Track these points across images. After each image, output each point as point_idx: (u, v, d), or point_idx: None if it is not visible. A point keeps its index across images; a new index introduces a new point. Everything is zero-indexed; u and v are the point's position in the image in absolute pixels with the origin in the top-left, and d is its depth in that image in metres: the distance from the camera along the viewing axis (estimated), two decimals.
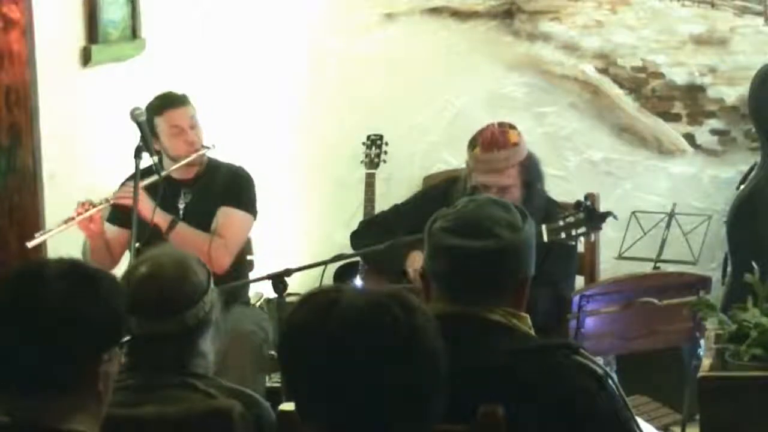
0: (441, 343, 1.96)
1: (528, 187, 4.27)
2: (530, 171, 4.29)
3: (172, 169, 4.58)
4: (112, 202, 4.42)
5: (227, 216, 4.68)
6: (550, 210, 4.29)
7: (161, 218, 4.53)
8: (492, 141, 4.27)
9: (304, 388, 1.95)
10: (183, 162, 4.60)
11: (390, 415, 1.90)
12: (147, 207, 4.43)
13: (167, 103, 4.65)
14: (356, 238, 4.65)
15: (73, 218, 4.34)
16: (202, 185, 4.71)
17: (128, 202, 4.31)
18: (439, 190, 4.54)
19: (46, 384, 2.06)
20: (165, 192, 4.46)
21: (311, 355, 1.93)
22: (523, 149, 4.28)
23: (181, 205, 4.71)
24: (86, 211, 4.36)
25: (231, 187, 4.73)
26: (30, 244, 4.17)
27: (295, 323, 1.98)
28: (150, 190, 4.42)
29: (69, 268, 2.13)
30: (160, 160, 4.51)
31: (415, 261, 4.37)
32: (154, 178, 4.40)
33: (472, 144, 4.30)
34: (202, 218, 4.67)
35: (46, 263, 2.19)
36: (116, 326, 2.13)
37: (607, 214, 4.06)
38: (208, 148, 4.67)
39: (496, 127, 4.32)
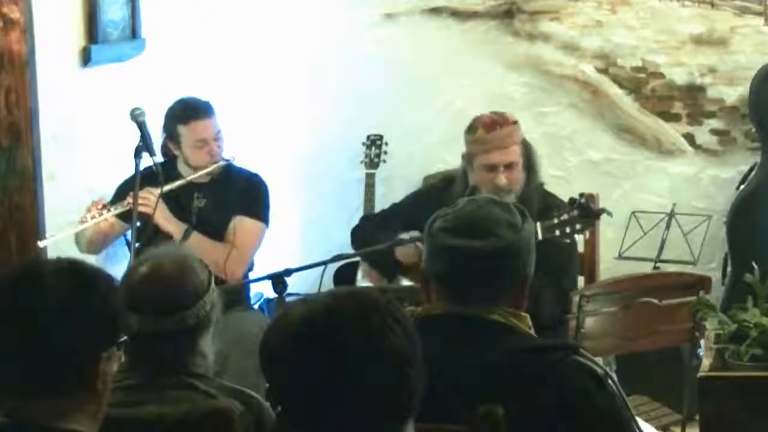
0: (410, 341, 1.94)
1: (529, 171, 4.33)
2: (529, 154, 4.36)
3: (189, 178, 4.59)
4: (128, 207, 4.41)
5: (243, 226, 4.70)
6: (548, 201, 4.32)
7: (176, 227, 4.55)
8: (493, 121, 4.38)
9: (274, 395, 1.97)
10: (202, 172, 4.62)
11: (348, 416, 1.89)
12: (163, 215, 4.45)
13: (193, 113, 4.63)
14: (355, 234, 4.68)
15: (86, 220, 4.37)
16: (217, 190, 4.71)
17: (146, 210, 4.33)
18: (436, 190, 4.57)
19: (45, 384, 2.05)
20: (179, 194, 4.49)
21: (267, 363, 1.95)
22: (519, 127, 4.37)
23: (195, 208, 4.71)
24: (100, 213, 4.39)
25: (247, 195, 4.74)
26: (41, 244, 4.19)
27: (264, 335, 2.00)
28: (165, 195, 4.41)
29: (67, 268, 2.13)
30: (168, 160, 4.51)
31: (408, 252, 4.41)
32: (178, 183, 4.44)
33: (472, 129, 4.38)
34: (215, 223, 4.68)
35: (45, 263, 2.19)
36: (114, 325, 2.13)
37: (601, 210, 4.07)
38: (228, 160, 4.67)
39: (490, 113, 4.42)
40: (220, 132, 4.68)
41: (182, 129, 4.63)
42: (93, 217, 4.38)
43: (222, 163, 4.66)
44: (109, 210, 4.42)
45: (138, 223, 4.22)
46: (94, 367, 2.08)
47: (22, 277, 2.13)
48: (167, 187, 4.40)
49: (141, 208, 4.31)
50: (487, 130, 4.33)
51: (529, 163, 4.36)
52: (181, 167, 4.67)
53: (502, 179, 4.26)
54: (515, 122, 4.38)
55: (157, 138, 4.59)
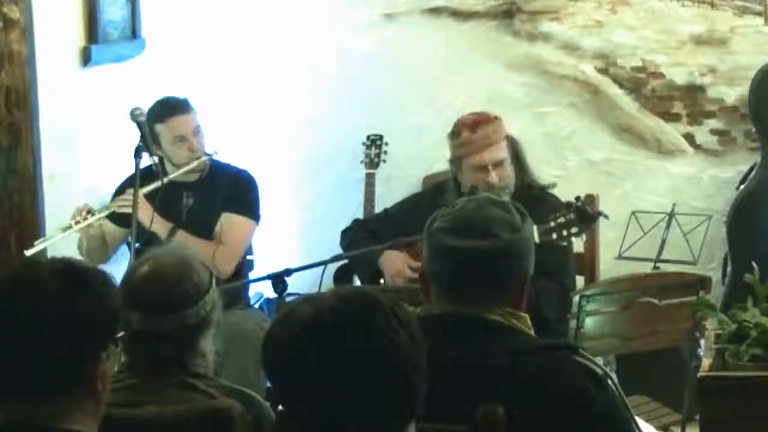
0: (413, 342, 1.93)
1: (518, 163, 4.34)
2: (515, 146, 4.38)
3: (173, 176, 4.58)
4: (112, 209, 4.43)
5: (230, 223, 4.69)
6: (537, 195, 4.35)
7: (161, 226, 4.54)
8: (475, 121, 4.41)
9: (277, 394, 1.96)
10: (185, 169, 4.62)
11: (350, 416, 1.89)
12: (147, 215, 4.44)
13: (169, 110, 4.63)
14: (344, 236, 4.71)
15: (71, 226, 4.36)
16: (205, 188, 4.71)
17: (129, 210, 4.32)
18: (427, 197, 4.59)
19: (45, 386, 2.05)
20: (167, 194, 4.46)
21: (271, 361, 1.94)
22: (504, 126, 4.38)
23: (184, 208, 4.71)
24: (84, 218, 4.38)
25: (234, 192, 4.74)
26: (28, 252, 4.18)
27: (267, 331, 1.99)
28: (151, 195, 4.41)
29: (62, 269, 2.11)
30: (161, 161, 4.51)
31: (393, 264, 4.42)
32: (156, 184, 4.39)
33: (455, 133, 4.41)
34: (204, 221, 4.68)
35: (39, 266, 2.17)
36: (112, 324, 2.12)
37: (598, 214, 4.08)
38: (210, 155, 4.67)
39: (469, 114, 4.45)
40: (199, 127, 4.68)
41: (160, 127, 4.62)
42: (77, 223, 4.38)
43: (204, 158, 4.66)
44: (93, 215, 4.42)
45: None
46: (94, 368, 2.08)
47: (16, 281, 2.11)
48: (149, 188, 4.40)
49: (123, 210, 4.31)
50: (472, 131, 4.33)
51: (517, 157, 4.39)
52: (168, 167, 4.67)
53: (494, 177, 4.28)
54: (497, 118, 4.40)
55: None
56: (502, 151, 4.32)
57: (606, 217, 4.12)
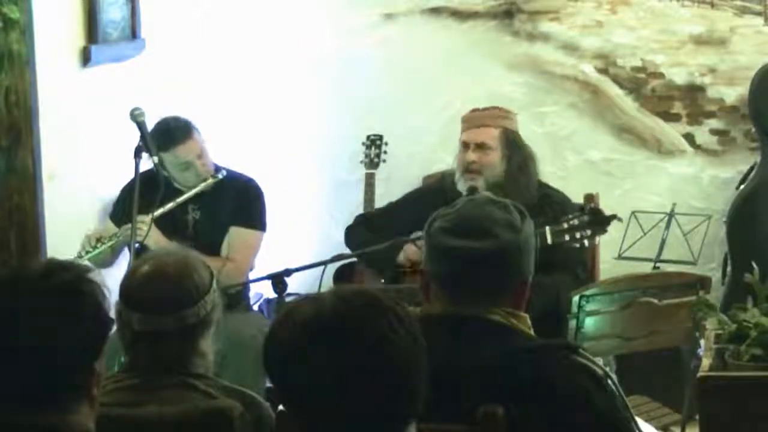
0: (414, 342, 1.92)
1: (509, 163, 4.37)
2: (513, 146, 4.42)
3: (180, 200, 4.62)
4: (120, 237, 4.46)
5: (239, 238, 4.71)
6: (546, 194, 4.36)
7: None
8: (479, 107, 4.59)
9: (277, 393, 1.96)
10: (193, 192, 4.64)
11: (351, 416, 1.89)
12: (155, 239, 4.50)
13: (171, 140, 4.63)
14: (349, 233, 4.72)
15: (81, 255, 4.42)
16: (211, 200, 4.71)
17: (140, 238, 4.36)
18: (430, 189, 4.62)
19: (43, 398, 2.03)
20: (173, 208, 4.56)
21: (271, 360, 1.94)
22: (509, 119, 4.53)
23: (191, 221, 4.72)
24: (94, 247, 4.47)
25: (242, 204, 4.74)
26: None
27: (268, 331, 1.99)
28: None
29: (55, 283, 2.07)
30: (161, 163, 4.52)
31: (410, 250, 4.44)
32: (165, 208, 4.49)
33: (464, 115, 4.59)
34: (211, 234, 4.70)
35: (22, 289, 2.09)
36: (105, 332, 2.11)
37: (612, 217, 4.08)
38: (216, 177, 4.68)
39: None
40: (203, 150, 4.68)
41: (165, 155, 4.63)
42: (87, 252, 4.45)
43: (211, 181, 4.68)
44: (103, 243, 4.49)
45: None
46: (90, 375, 2.07)
47: (9, 297, 2.08)
48: (158, 212, 4.44)
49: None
50: (471, 111, 4.53)
51: (511, 156, 4.41)
52: (175, 185, 4.69)
53: (470, 156, 4.37)
54: (500, 109, 4.52)
55: None
56: (488, 138, 4.41)
57: (620, 219, 4.13)
